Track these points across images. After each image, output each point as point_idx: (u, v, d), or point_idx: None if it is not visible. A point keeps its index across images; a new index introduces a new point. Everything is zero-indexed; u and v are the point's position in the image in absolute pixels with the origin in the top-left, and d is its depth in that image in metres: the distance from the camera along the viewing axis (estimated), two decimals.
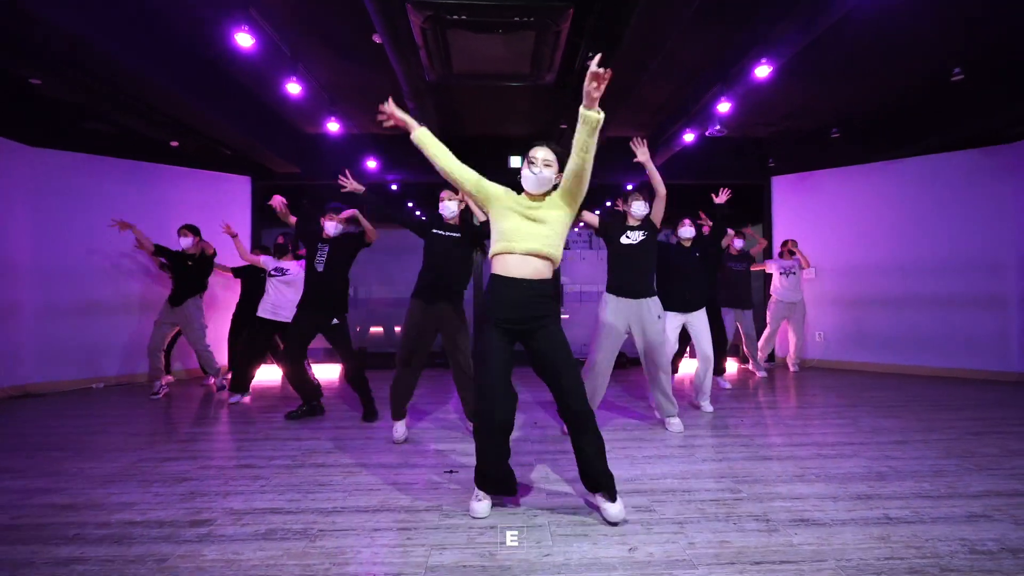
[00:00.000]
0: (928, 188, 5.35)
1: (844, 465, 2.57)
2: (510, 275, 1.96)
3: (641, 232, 3.10)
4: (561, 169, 2.00)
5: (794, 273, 5.40)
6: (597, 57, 1.69)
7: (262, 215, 5.99)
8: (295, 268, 4.17)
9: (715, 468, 2.56)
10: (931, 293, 5.30)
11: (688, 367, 5.47)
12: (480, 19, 2.83)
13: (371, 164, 5.69)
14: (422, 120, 3.42)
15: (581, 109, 1.76)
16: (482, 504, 2.03)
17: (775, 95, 4.62)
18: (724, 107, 4.08)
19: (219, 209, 5.71)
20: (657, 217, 3.14)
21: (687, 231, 3.62)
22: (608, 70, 1.68)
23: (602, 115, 1.77)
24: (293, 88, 3.74)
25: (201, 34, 3.66)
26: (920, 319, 5.35)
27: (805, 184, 6.12)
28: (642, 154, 2.96)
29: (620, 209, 3.38)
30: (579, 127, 1.81)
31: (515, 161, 6.12)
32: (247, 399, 4.21)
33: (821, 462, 2.62)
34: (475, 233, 3.03)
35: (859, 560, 1.67)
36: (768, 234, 6.27)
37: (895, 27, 3.50)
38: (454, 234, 3.01)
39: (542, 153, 2.00)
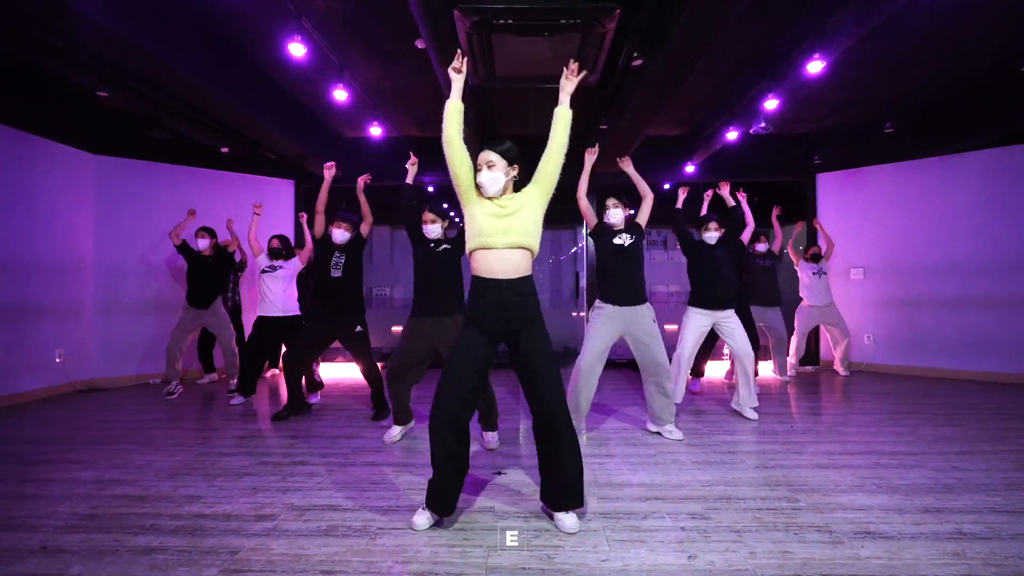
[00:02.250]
0: (988, 183, 5.06)
1: (907, 476, 2.47)
2: (492, 276, 1.93)
3: (629, 236, 3.09)
4: (510, 164, 2.00)
5: (825, 273, 5.23)
6: (572, 63, 1.95)
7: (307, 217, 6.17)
8: (290, 265, 4.10)
9: (768, 475, 2.49)
10: (991, 294, 5.02)
11: (713, 371, 5.35)
12: (526, 22, 2.83)
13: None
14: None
15: (558, 109, 1.96)
16: (420, 517, 1.95)
17: (822, 89, 4.46)
18: (771, 104, 3.97)
19: (265, 211, 5.91)
20: (643, 218, 3.19)
21: (712, 235, 3.55)
22: (575, 66, 1.95)
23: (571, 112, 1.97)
24: (340, 95, 3.83)
25: (252, 43, 3.79)
26: (979, 321, 5.08)
27: (853, 181, 5.89)
28: (626, 166, 3.23)
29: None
30: (558, 128, 1.97)
31: None
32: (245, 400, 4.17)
33: (881, 472, 2.52)
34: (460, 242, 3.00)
35: None
36: (812, 233, 6.07)
37: (957, 14, 3.33)
38: (445, 246, 3.04)
39: (483, 157, 1.98)
